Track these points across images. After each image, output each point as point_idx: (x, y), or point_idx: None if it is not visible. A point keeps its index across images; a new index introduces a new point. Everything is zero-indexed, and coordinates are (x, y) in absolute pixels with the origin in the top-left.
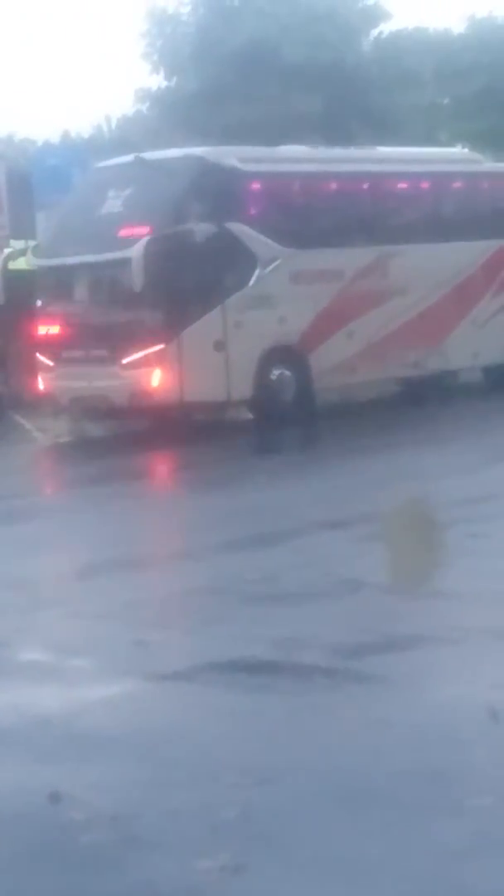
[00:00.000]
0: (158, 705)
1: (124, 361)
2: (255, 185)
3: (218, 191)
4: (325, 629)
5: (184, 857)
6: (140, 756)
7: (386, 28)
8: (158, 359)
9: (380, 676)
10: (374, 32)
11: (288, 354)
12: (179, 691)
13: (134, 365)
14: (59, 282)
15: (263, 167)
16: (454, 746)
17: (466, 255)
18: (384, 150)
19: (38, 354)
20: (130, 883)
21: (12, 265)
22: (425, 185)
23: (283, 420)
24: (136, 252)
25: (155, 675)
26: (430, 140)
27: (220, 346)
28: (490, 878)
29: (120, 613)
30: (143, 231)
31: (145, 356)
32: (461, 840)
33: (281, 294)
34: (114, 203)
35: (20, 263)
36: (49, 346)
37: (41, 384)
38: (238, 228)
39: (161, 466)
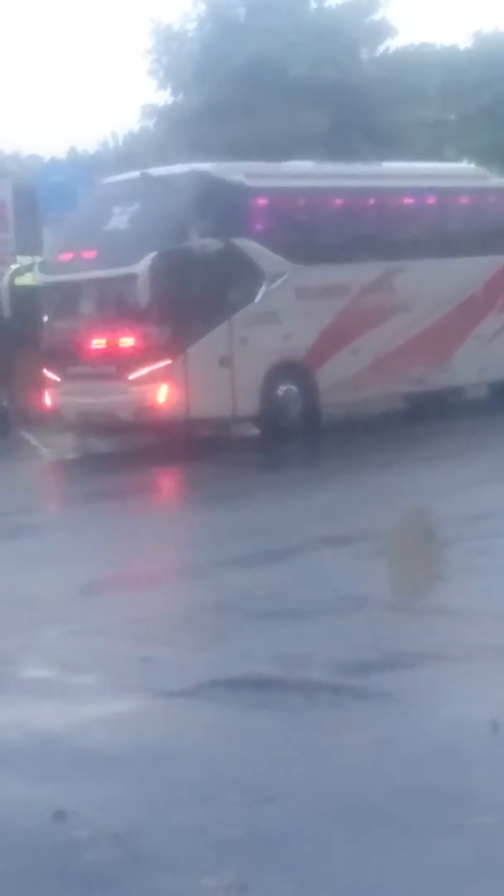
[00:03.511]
0: (163, 722)
1: (130, 377)
2: (261, 201)
3: (224, 206)
4: (330, 646)
5: (188, 876)
6: (144, 774)
7: (392, 44)
8: (164, 374)
9: (384, 694)
10: (380, 49)
11: (294, 370)
12: (184, 708)
13: (140, 381)
14: (65, 297)
15: (269, 183)
16: (458, 764)
17: (472, 270)
18: (390, 166)
19: (44, 370)
20: None
21: (19, 281)
22: (431, 200)
23: (289, 436)
24: (142, 268)
25: (159, 693)
26: (435, 156)
27: (225, 361)
28: None
29: (124, 630)
30: (148, 247)
31: (151, 372)
32: (464, 859)
33: (287, 310)
34: (120, 219)
35: (26, 279)
36: (55, 361)
37: (47, 400)
38: (244, 244)
39: (167, 482)
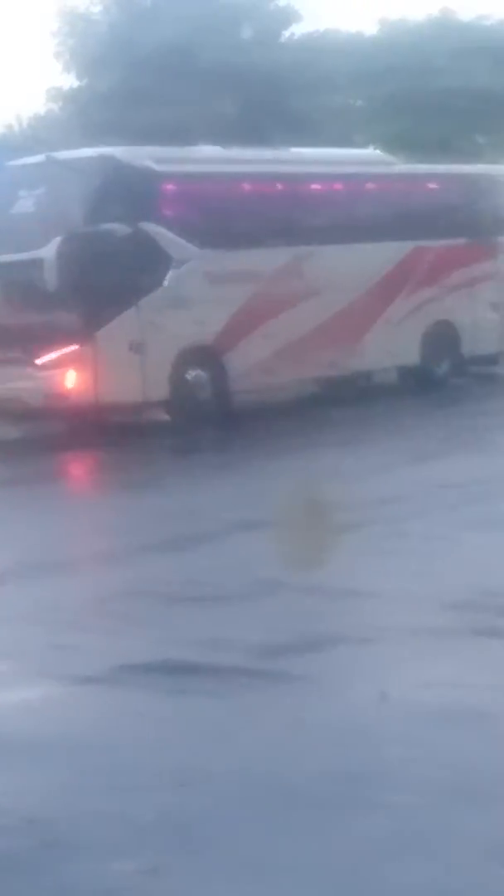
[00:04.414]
0: (76, 709)
1: (38, 362)
2: (170, 186)
3: (131, 191)
4: (245, 630)
5: (100, 860)
6: (57, 760)
7: (297, 30)
8: (73, 360)
9: (299, 676)
10: (286, 34)
11: (204, 355)
12: (97, 694)
13: (48, 366)
14: None
15: (177, 167)
16: (371, 745)
17: (380, 256)
18: (298, 152)
19: None
20: (46, 887)
21: None
22: (339, 186)
23: (200, 421)
24: (48, 252)
25: (73, 679)
26: (344, 142)
27: (135, 346)
28: (406, 874)
29: (37, 616)
30: (55, 231)
31: (59, 357)
32: (378, 837)
33: (196, 295)
34: (25, 203)
35: None
36: None
37: None
38: (152, 229)
39: (77, 469)
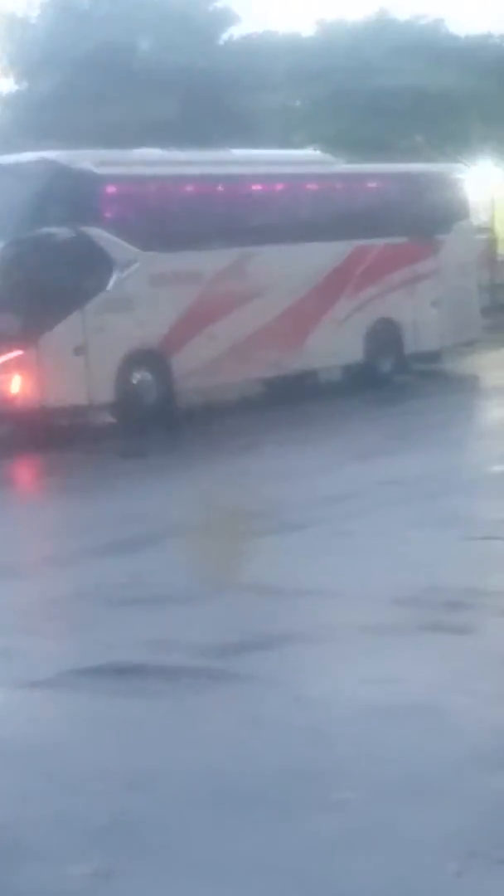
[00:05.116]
0: (25, 714)
1: None
2: (111, 189)
3: (73, 194)
4: (192, 631)
5: (54, 865)
6: (7, 765)
7: (235, 32)
8: (17, 364)
9: (247, 676)
10: (224, 36)
11: (149, 358)
12: (46, 699)
13: None
14: None
15: (119, 170)
16: (321, 743)
17: (323, 255)
18: (239, 153)
19: None
20: None
21: None
22: (280, 186)
23: (146, 423)
24: None
25: (21, 683)
26: (283, 141)
27: (80, 350)
28: (356, 870)
29: None
30: None
31: (4, 362)
32: (328, 834)
33: (140, 297)
34: None
35: None
36: None
37: None
38: (95, 232)
39: (23, 472)
